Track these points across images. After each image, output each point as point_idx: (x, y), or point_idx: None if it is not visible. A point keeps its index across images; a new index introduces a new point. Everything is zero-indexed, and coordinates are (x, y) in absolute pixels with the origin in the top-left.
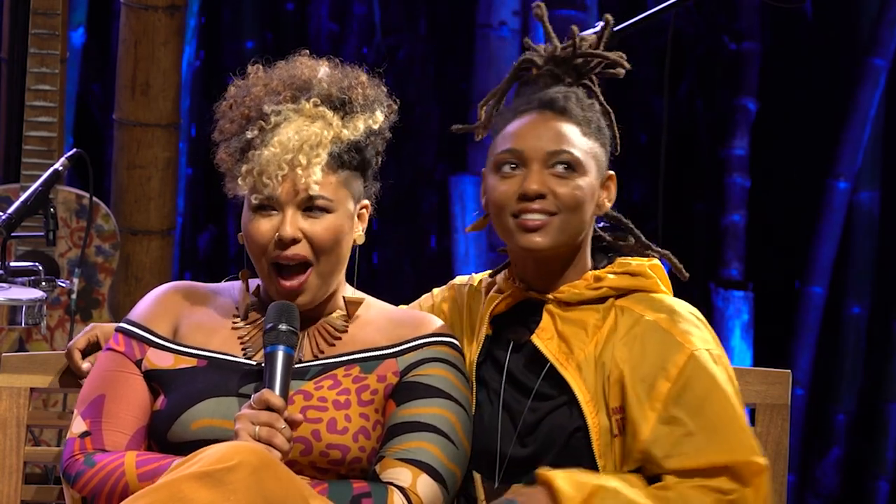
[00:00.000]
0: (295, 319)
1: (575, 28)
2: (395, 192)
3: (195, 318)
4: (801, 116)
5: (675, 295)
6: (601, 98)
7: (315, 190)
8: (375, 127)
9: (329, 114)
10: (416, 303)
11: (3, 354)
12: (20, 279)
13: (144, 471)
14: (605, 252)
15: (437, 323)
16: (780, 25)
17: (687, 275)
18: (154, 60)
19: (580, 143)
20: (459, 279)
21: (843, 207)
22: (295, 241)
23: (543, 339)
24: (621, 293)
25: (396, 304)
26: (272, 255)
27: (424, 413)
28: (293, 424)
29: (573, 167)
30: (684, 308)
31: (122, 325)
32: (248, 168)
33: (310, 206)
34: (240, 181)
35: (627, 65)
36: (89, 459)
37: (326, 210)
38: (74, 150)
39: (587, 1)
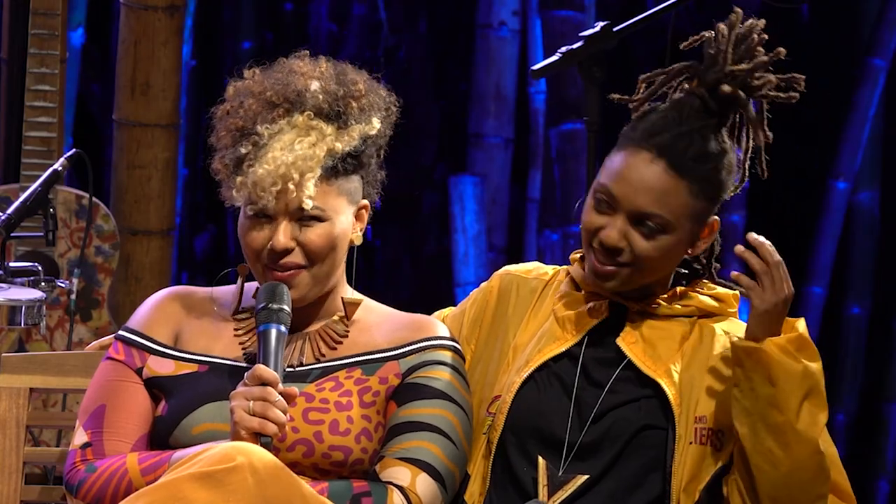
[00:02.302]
0: (287, 299)
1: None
2: (395, 192)
3: (196, 325)
4: (801, 116)
5: None
6: (753, 130)
7: (309, 205)
8: (373, 133)
9: (323, 125)
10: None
11: (3, 354)
12: (20, 279)
13: (147, 465)
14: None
15: (439, 326)
16: (779, 26)
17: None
18: (154, 60)
19: (680, 203)
20: (514, 268)
21: (843, 207)
22: (287, 251)
23: (628, 342)
24: (706, 314)
25: (396, 306)
26: (265, 260)
27: (425, 413)
28: (288, 398)
29: (662, 229)
30: None
31: (121, 333)
32: (241, 181)
33: (303, 217)
34: (234, 193)
35: (799, 88)
36: (90, 467)
37: (319, 219)
38: (74, 150)
39: (586, 1)
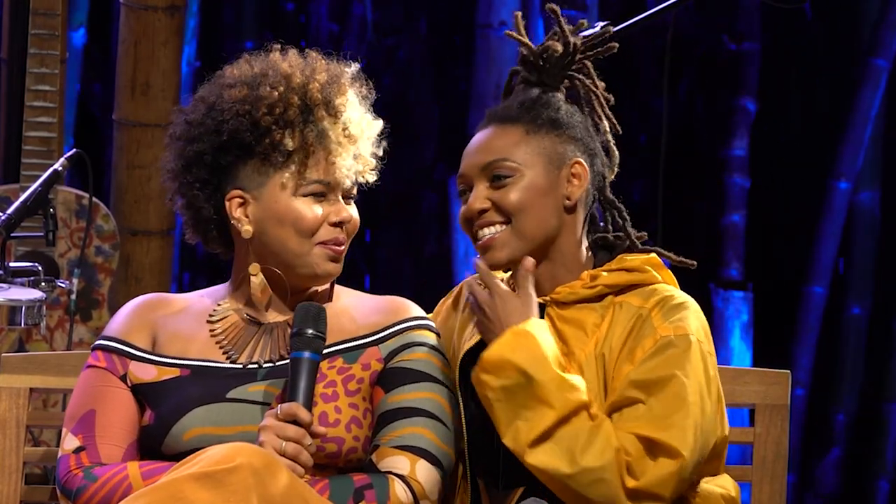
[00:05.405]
0: (323, 323)
1: (562, 26)
2: (394, 193)
3: (171, 328)
4: (801, 116)
5: None
6: (593, 91)
7: (372, 177)
8: None
9: (365, 107)
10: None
11: (3, 354)
12: (20, 279)
13: (148, 470)
14: (609, 250)
15: (412, 307)
16: (780, 25)
17: (694, 263)
18: (154, 60)
19: (516, 142)
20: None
21: (844, 208)
22: (345, 224)
23: None
24: (618, 290)
25: None
26: (324, 237)
27: (414, 398)
28: (315, 437)
29: (512, 173)
30: (676, 297)
31: (99, 342)
32: (322, 153)
33: (348, 195)
34: (311, 162)
35: (615, 45)
36: (89, 474)
37: (353, 199)
38: (74, 150)
39: (587, 1)
